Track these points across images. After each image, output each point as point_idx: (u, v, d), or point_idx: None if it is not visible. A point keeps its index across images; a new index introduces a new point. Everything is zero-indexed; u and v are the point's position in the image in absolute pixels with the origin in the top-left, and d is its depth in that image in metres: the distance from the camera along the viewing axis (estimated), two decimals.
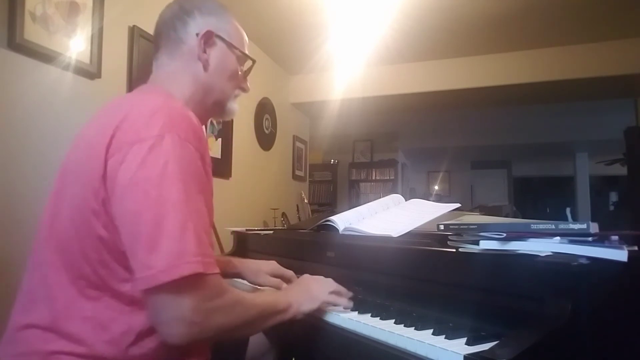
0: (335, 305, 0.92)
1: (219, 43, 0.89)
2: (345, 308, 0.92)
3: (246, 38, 0.97)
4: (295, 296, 0.89)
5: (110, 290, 0.70)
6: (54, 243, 0.72)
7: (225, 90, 0.92)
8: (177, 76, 0.87)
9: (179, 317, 0.64)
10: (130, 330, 0.69)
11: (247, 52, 0.96)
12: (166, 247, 0.62)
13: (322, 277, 0.98)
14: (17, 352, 0.69)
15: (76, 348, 0.67)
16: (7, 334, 0.72)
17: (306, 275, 1.00)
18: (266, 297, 0.87)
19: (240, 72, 0.94)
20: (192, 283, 0.64)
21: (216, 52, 0.89)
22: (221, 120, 2.67)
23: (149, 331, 0.70)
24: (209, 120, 2.52)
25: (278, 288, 1.10)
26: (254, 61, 0.97)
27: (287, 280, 1.13)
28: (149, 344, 0.70)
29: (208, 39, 0.88)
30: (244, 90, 0.97)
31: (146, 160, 0.65)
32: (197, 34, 0.87)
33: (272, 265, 1.16)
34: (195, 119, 0.75)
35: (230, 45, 0.91)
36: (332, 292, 0.93)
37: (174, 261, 0.62)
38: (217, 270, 0.68)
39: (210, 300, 0.67)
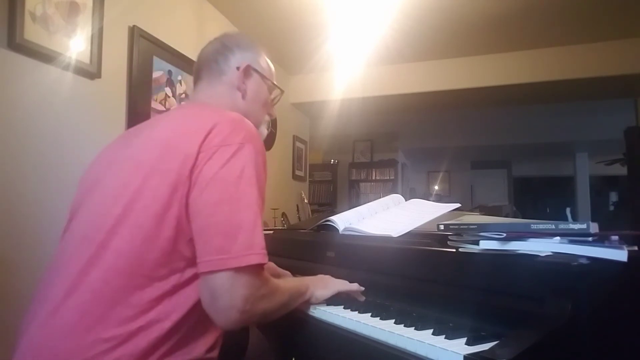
0: (348, 293, 1.00)
1: (255, 75, 1.01)
2: (358, 298, 1.00)
3: (274, 70, 1.09)
4: (311, 282, 1.00)
5: (157, 279, 0.73)
6: (122, 233, 0.75)
7: (258, 116, 1.03)
8: (217, 100, 0.97)
9: (233, 305, 0.70)
10: (164, 317, 0.72)
11: (276, 83, 1.08)
12: (240, 237, 0.71)
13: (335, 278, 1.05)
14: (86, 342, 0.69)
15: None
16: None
17: (323, 274, 1.07)
18: (293, 283, 0.96)
19: (270, 100, 1.07)
20: (253, 272, 0.72)
21: (252, 84, 1.01)
22: None
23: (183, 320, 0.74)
24: None
25: None
26: (282, 91, 1.11)
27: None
28: (183, 330, 0.74)
29: (247, 71, 0.99)
30: (272, 116, 1.10)
31: (229, 161, 0.75)
32: (237, 67, 0.99)
33: (269, 268, 1.19)
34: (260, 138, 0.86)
35: (263, 77, 1.03)
36: (345, 287, 1.01)
37: (246, 250, 0.71)
38: (266, 261, 0.76)
39: (259, 289, 0.74)
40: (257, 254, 0.72)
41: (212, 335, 0.80)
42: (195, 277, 0.75)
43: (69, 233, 0.82)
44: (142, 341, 0.70)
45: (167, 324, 0.72)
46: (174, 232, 0.74)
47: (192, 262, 0.75)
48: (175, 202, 0.74)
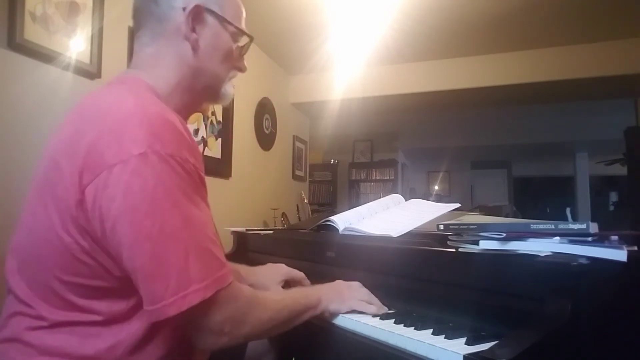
0: (362, 313, 0.88)
1: (210, 19, 0.77)
2: (374, 316, 0.87)
3: (243, 10, 0.85)
4: (325, 293, 0.88)
5: (86, 311, 0.65)
6: (26, 260, 0.69)
7: (218, 73, 0.81)
8: (160, 60, 0.76)
9: (205, 330, 0.64)
10: (119, 344, 0.65)
11: (243, 26, 0.84)
12: (170, 279, 0.59)
13: (357, 283, 0.96)
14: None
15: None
16: None
17: (340, 281, 0.97)
18: (296, 295, 0.84)
19: (235, 51, 0.83)
20: (209, 303, 0.62)
21: (207, 30, 0.77)
22: (221, 121, 2.67)
23: (145, 341, 0.67)
24: (209, 120, 2.53)
25: None
26: (251, 38, 0.85)
27: (298, 283, 1.11)
28: (152, 352, 0.68)
29: (197, 14, 0.76)
30: (241, 70, 0.86)
31: (131, 184, 0.59)
32: (183, 9, 0.75)
33: (281, 271, 1.12)
34: (177, 123, 0.66)
35: (223, 21, 0.79)
36: (363, 300, 0.90)
37: (180, 291, 0.59)
38: (230, 279, 0.65)
39: (237, 310, 0.66)
40: (198, 290, 0.60)
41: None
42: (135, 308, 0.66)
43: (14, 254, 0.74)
44: None
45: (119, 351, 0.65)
46: (88, 277, 0.64)
47: (130, 293, 0.64)
48: (78, 233, 0.62)
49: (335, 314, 0.88)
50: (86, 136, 0.62)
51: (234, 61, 0.84)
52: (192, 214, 0.63)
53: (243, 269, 1.12)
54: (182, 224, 0.61)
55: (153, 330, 0.67)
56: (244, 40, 0.85)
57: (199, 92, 0.81)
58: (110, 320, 0.65)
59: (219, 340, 0.65)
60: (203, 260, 0.62)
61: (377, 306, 0.90)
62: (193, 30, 0.76)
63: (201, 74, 0.79)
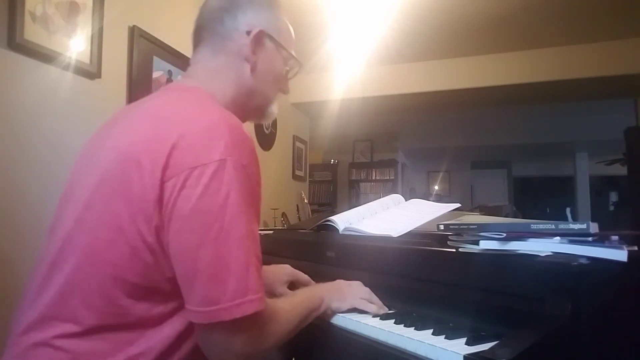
0: (363, 311, 0.89)
1: (269, 43, 0.82)
2: (374, 316, 0.87)
3: (293, 36, 0.90)
4: (327, 292, 0.89)
5: (124, 314, 0.66)
6: (75, 254, 0.67)
7: (268, 94, 0.86)
8: (219, 75, 0.80)
9: (230, 352, 0.64)
10: (149, 350, 0.65)
11: (294, 52, 0.88)
12: (230, 284, 0.61)
13: (358, 282, 0.96)
14: None
15: None
16: (15, 347, 0.67)
17: (341, 280, 0.97)
18: (303, 300, 0.84)
19: (284, 74, 0.88)
20: (250, 320, 0.63)
21: (265, 54, 0.82)
22: None
23: (173, 349, 0.67)
24: None
25: None
26: (300, 64, 0.90)
27: (304, 285, 1.10)
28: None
29: (259, 39, 0.80)
30: (284, 92, 0.91)
31: (209, 187, 0.61)
32: (247, 32, 0.79)
33: (287, 271, 1.12)
34: (250, 137, 0.70)
35: (279, 47, 0.84)
36: (364, 299, 0.90)
37: (237, 298, 0.60)
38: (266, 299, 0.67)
39: (260, 332, 0.66)
40: (252, 301, 0.61)
41: None
42: (175, 310, 0.67)
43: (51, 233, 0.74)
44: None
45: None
46: (143, 276, 0.65)
47: (171, 296, 0.66)
48: (147, 231, 0.63)
49: (336, 312, 0.88)
50: (170, 137, 0.64)
51: (282, 84, 0.89)
52: (253, 227, 0.66)
53: None
54: (246, 234, 0.64)
55: (181, 338, 0.67)
56: (291, 64, 0.90)
57: (250, 110, 0.86)
58: (146, 324, 0.66)
59: (241, 358, 0.65)
60: (258, 273, 0.64)
61: (378, 305, 0.90)
62: (254, 52, 0.80)
63: (255, 94, 0.83)
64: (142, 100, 0.79)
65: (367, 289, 0.94)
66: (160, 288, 0.66)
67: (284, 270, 1.13)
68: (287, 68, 0.89)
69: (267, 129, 3.35)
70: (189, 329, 0.67)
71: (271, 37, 0.82)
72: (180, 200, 0.62)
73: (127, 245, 0.64)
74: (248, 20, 0.80)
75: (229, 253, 0.61)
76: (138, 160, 0.64)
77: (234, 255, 0.62)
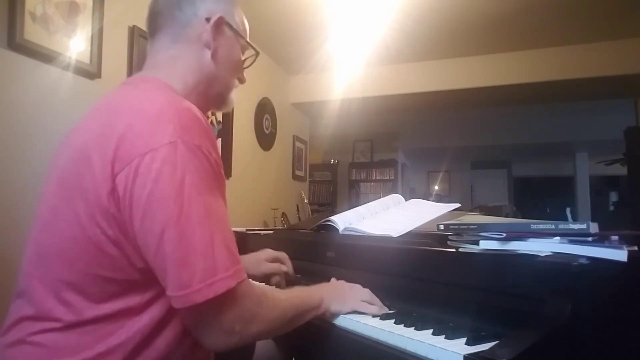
0: (364, 314, 0.88)
1: (228, 31, 0.84)
2: (374, 316, 0.86)
3: (248, 27, 0.92)
4: (327, 293, 0.89)
5: (118, 299, 0.66)
6: (45, 257, 0.69)
7: (228, 81, 0.87)
8: (179, 62, 0.80)
9: (218, 329, 0.64)
10: (130, 339, 0.66)
11: (252, 43, 0.91)
12: (197, 265, 0.61)
13: (359, 285, 0.95)
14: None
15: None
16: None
17: (342, 281, 0.97)
18: (300, 294, 0.85)
19: (241, 63, 0.90)
20: (228, 297, 0.63)
21: (225, 41, 0.83)
22: (221, 121, 2.68)
23: (154, 336, 0.67)
24: (209, 120, 2.53)
25: (279, 271, 1.16)
26: (257, 53, 0.92)
27: (284, 260, 1.18)
28: (159, 347, 0.68)
29: (219, 25, 0.81)
30: (242, 81, 0.92)
31: (162, 172, 0.61)
32: (207, 19, 0.80)
33: (267, 252, 1.20)
34: (202, 117, 0.70)
35: (237, 34, 0.86)
36: (364, 301, 0.90)
37: (207, 279, 0.61)
38: (245, 275, 0.67)
39: (249, 309, 0.67)
40: (222, 279, 0.62)
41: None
42: (155, 298, 0.67)
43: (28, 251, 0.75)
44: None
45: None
46: (111, 269, 0.65)
47: (147, 286, 0.66)
48: (107, 224, 0.63)
49: (336, 315, 0.88)
50: (117, 128, 0.64)
51: (239, 72, 0.90)
52: (215, 206, 0.66)
53: None
54: (207, 213, 0.63)
55: (161, 325, 0.68)
56: (247, 54, 0.92)
57: (210, 98, 0.86)
58: (124, 316, 0.66)
59: (230, 340, 0.66)
60: (227, 250, 0.64)
61: (379, 307, 0.90)
62: (214, 39, 0.81)
63: (215, 80, 0.84)
64: (102, 97, 0.79)
65: (367, 290, 0.94)
66: (133, 279, 0.66)
67: (264, 253, 1.19)
68: (244, 57, 0.91)
69: (267, 129, 3.35)
70: (168, 315, 0.67)
71: (229, 25, 0.84)
72: (137, 189, 0.62)
73: (90, 241, 0.64)
74: (207, 7, 0.81)
75: (192, 235, 0.61)
76: (89, 156, 0.65)
77: (197, 237, 0.62)
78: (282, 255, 1.20)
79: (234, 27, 0.85)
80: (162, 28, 0.82)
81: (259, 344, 1.06)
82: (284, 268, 1.17)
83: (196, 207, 0.62)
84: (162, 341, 0.68)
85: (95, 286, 0.65)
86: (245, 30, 0.90)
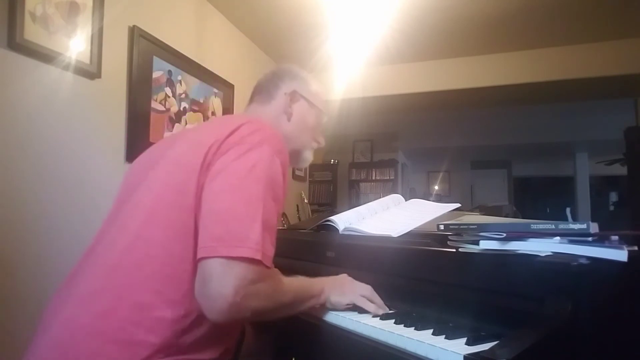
0: (363, 309, 0.90)
1: (302, 101, 1.07)
2: (373, 316, 0.88)
3: (325, 98, 1.14)
4: (328, 284, 0.94)
5: (183, 271, 0.74)
6: (150, 220, 0.77)
7: (303, 140, 1.08)
8: (264, 118, 0.99)
9: (222, 293, 0.68)
10: (189, 314, 0.73)
11: (324, 110, 1.13)
12: (235, 228, 0.71)
13: (362, 283, 0.97)
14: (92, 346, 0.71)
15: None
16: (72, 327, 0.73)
17: (344, 274, 1.00)
18: (302, 282, 0.92)
19: (317, 127, 1.11)
20: (247, 265, 0.70)
21: (299, 108, 1.06)
22: None
23: (200, 319, 0.74)
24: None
25: None
26: (328, 116, 1.15)
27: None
28: (197, 332, 0.75)
29: (293, 96, 1.06)
30: (320, 143, 1.14)
31: (242, 156, 0.77)
32: (285, 93, 1.05)
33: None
34: (286, 146, 0.88)
35: (311, 103, 1.08)
36: (364, 297, 0.92)
37: (238, 242, 0.70)
38: (272, 266, 0.75)
39: (253, 283, 0.71)
40: (250, 248, 0.70)
41: (220, 345, 0.80)
42: None
43: (108, 223, 0.84)
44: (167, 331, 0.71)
45: (188, 321, 0.73)
46: (195, 223, 0.75)
47: None
48: (191, 192, 0.76)
49: (335, 305, 0.91)
50: (232, 127, 0.81)
51: (316, 134, 1.12)
52: (269, 202, 0.77)
53: None
54: (260, 197, 0.75)
55: (201, 314, 0.73)
56: (324, 122, 1.14)
57: (288, 153, 0.98)
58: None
59: (230, 308, 0.68)
60: (264, 232, 0.73)
61: (378, 304, 0.91)
62: (289, 106, 1.06)
63: (291, 138, 1.04)
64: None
65: (369, 287, 0.95)
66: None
67: None
68: (320, 121, 1.12)
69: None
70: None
71: (303, 96, 1.07)
72: (218, 163, 0.77)
73: (184, 201, 0.76)
74: (286, 86, 1.07)
75: (241, 204, 0.73)
76: (202, 142, 0.80)
77: (244, 208, 0.73)
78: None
79: (307, 97, 1.08)
80: (254, 101, 1.09)
81: (248, 337, 1.07)
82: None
83: (255, 189, 0.75)
84: (199, 329, 0.75)
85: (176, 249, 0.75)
86: (320, 100, 1.11)
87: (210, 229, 0.72)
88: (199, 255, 0.71)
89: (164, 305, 0.72)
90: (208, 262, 0.69)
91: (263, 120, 0.91)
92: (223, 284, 0.68)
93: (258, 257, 0.70)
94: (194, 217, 0.75)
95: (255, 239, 0.71)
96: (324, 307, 0.92)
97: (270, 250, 0.74)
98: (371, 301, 0.91)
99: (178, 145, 0.86)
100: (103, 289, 0.74)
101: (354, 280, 0.97)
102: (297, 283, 0.88)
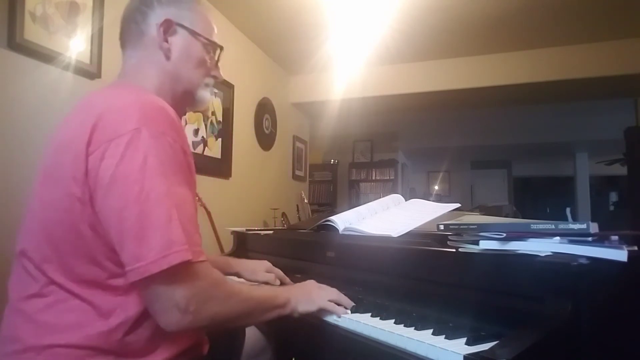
0: (331, 313, 0.91)
1: (181, 31, 0.88)
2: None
3: (214, 26, 0.96)
4: (294, 294, 0.91)
5: (103, 285, 0.71)
6: (44, 240, 0.73)
7: (193, 78, 0.91)
8: (142, 68, 0.87)
9: (172, 305, 0.66)
10: (127, 319, 0.70)
11: (214, 39, 0.94)
12: (154, 239, 0.65)
13: (326, 286, 0.97)
14: (10, 350, 0.70)
15: (72, 339, 0.68)
16: (1, 334, 0.73)
17: (311, 281, 0.99)
18: (265, 291, 0.89)
19: (209, 60, 0.93)
20: (183, 272, 0.66)
21: (178, 41, 0.88)
22: (221, 121, 2.67)
23: (143, 318, 0.71)
24: (209, 120, 2.53)
25: (273, 282, 1.18)
26: (221, 47, 0.96)
27: (282, 278, 1.21)
28: (143, 332, 0.72)
29: (168, 27, 0.87)
30: (216, 78, 0.96)
31: (125, 155, 0.67)
32: (157, 24, 0.86)
33: (266, 263, 1.24)
34: (171, 111, 0.75)
35: (193, 33, 0.90)
36: (332, 300, 0.92)
37: (162, 252, 0.64)
38: (204, 258, 0.71)
39: (204, 289, 0.69)
40: (177, 252, 0.65)
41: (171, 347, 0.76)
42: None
43: (19, 238, 0.82)
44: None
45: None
46: (94, 249, 0.70)
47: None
48: (75, 208, 0.69)
49: (304, 314, 0.90)
50: (91, 119, 0.71)
51: (208, 69, 0.94)
52: (177, 189, 0.70)
53: (231, 259, 1.27)
54: (166, 192, 0.68)
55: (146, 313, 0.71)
56: (217, 54, 0.96)
57: (178, 96, 0.91)
58: (125, 293, 0.71)
59: (184, 318, 0.67)
60: (184, 228, 0.68)
61: (346, 305, 0.92)
62: (165, 40, 0.87)
63: (178, 78, 0.89)
64: (81, 99, 0.85)
65: (335, 290, 0.95)
66: (110, 258, 0.70)
67: (263, 264, 1.23)
68: (213, 55, 0.95)
69: (267, 129, 3.35)
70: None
71: (182, 26, 0.88)
72: (102, 171, 0.67)
73: (71, 225, 0.70)
74: (157, 15, 0.87)
75: (150, 211, 0.66)
76: (68, 146, 0.72)
77: (155, 213, 0.66)
78: (280, 272, 1.22)
79: (188, 26, 0.89)
80: (126, 42, 0.90)
81: (249, 336, 1.07)
82: (277, 282, 1.19)
83: (156, 186, 0.67)
84: (151, 324, 0.71)
85: (81, 268, 0.70)
86: (206, 28, 0.92)
87: (129, 249, 0.65)
88: (130, 279, 0.66)
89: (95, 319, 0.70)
90: (145, 284, 0.66)
91: (130, 89, 0.80)
92: (169, 299, 0.66)
93: (189, 257, 0.66)
94: (92, 232, 0.69)
95: (179, 240, 0.66)
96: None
97: (197, 242, 0.70)
98: (339, 304, 0.92)
99: (49, 151, 0.78)
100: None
101: (321, 286, 0.97)
102: (259, 292, 0.86)
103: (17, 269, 0.77)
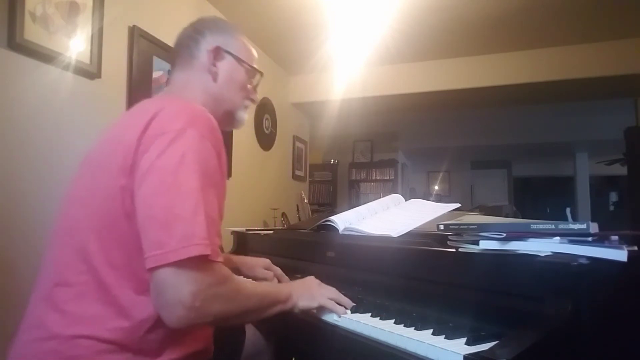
0: (331, 311, 0.91)
1: (228, 57, 0.97)
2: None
3: (255, 54, 1.04)
4: (295, 289, 0.92)
5: (134, 278, 0.73)
6: (88, 227, 0.75)
7: (234, 100, 0.99)
8: (189, 86, 0.95)
9: (179, 300, 0.67)
10: (150, 317, 0.72)
11: (255, 66, 1.03)
12: (178, 229, 0.67)
13: (327, 285, 0.98)
14: (35, 337, 0.72)
15: (96, 331, 0.70)
16: (26, 320, 0.76)
17: (312, 277, 1.00)
18: (268, 287, 0.91)
19: (249, 85, 1.02)
20: (197, 266, 0.68)
21: (225, 66, 0.97)
22: None
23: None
24: None
25: (270, 279, 1.20)
26: (261, 74, 1.05)
27: (279, 276, 1.22)
28: (162, 332, 0.73)
29: (217, 53, 0.96)
30: (253, 101, 1.05)
31: (166, 150, 0.71)
32: (207, 50, 0.95)
33: (265, 261, 1.25)
34: (215, 121, 0.81)
35: (238, 60, 0.98)
36: (332, 299, 0.93)
37: (184, 242, 0.66)
38: (221, 259, 0.72)
39: (211, 287, 0.70)
40: (197, 244, 0.67)
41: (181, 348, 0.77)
42: None
43: (56, 226, 0.83)
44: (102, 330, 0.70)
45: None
46: (130, 229, 0.72)
47: None
48: (117, 197, 0.73)
49: (305, 311, 0.91)
50: (146, 117, 0.76)
51: (248, 93, 1.03)
52: (207, 189, 0.73)
53: (232, 255, 1.32)
54: (198, 187, 0.71)
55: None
56: (256, 79, 1.05)
57: (219, 115, 0.94)
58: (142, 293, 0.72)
59: (188, 314, 0.67)
60: (207, 224, 0.70)
61: (346, 305, 0.92)
62: (214, 65, 0.96)
63: (221, 99, 0.97)
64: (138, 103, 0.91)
65: (334, 289, 0.96)
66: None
67: (263, 261, 1.26)
68: (252, 80, 1.04)
69: (267, 129, 3.35)
70: None
71: (230, 52, 0.97)
72: (143, 161, 0.72)
73: (110, 214, 0.74)
74: (208, 42, 0.96)
75: (179, 202, 0.69)
76: (120, 141, 0.76)
77: (183, 205, 0.69)
78: (279, 270, 1.23)
79: (234, 53, 0.98)
80: (176, 65, 0.98)
81: (249, 336, 1.07)
82: (275, 281, 1.20)
83: (189, 181, 0.70)
84: (167, 328, 0.72)
85: (119, 259, 0.73)
86: (248, 55, 1.02)
87: (152, 236, 0.68)
88: (147, 266, 0.67)
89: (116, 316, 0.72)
90: (158, 272, 0.67)
91: (182, 99, 0.86)
92: (179, 291, 0.66)
93: (207, 252, 0.68)
94: (129, 223, 0.72)
95: (201, 234, 0.68)
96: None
97: (217, 243, 0.72)
98: (338, 303, 0.92)
99: (100, 145, 0.83)
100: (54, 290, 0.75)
101: (322, 284, 0.98)
102: (262, 288, 0.88)
103: (49, 257, 0.79)
